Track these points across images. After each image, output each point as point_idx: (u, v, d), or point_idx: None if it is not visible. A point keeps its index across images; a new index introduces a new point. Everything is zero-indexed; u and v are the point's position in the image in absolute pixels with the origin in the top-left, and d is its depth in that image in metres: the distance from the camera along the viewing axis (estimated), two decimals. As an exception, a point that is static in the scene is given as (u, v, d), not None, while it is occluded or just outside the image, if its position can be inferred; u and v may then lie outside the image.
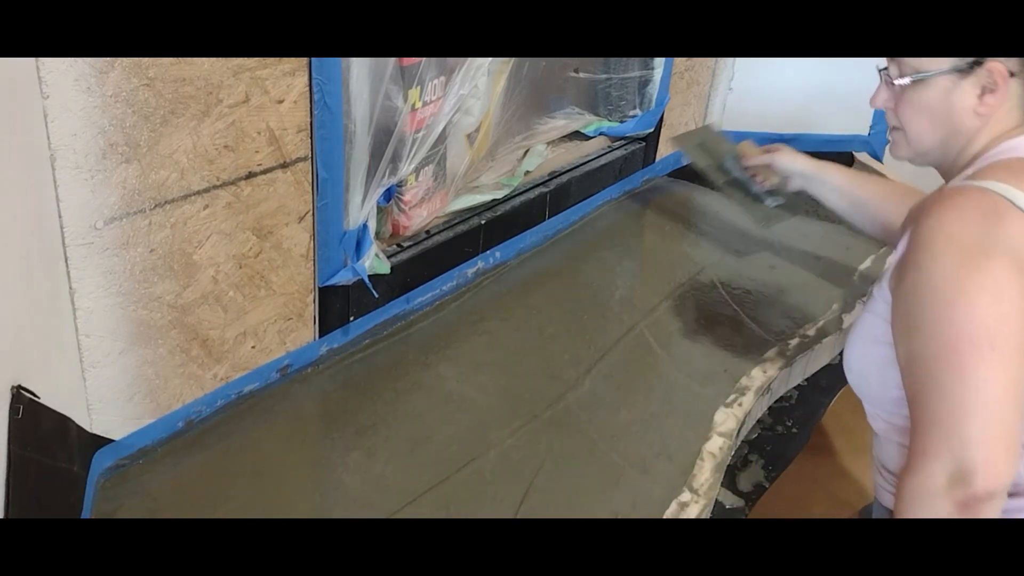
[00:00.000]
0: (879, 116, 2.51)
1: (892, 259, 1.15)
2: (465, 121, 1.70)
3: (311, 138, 1.32)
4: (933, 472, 0.99)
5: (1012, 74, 1.10)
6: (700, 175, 2.02)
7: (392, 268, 1.57)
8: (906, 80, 1.15)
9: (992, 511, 0.99)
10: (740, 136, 2.56)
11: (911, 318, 1.05)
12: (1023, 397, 0.99)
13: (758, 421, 1.65)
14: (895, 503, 1.06)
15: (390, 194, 1.57)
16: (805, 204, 2.40)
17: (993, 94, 1.11)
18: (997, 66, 1.09)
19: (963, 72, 1.11)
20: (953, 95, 1.13)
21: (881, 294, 1.15)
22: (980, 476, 0.97)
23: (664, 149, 2.39)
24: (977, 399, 0.98)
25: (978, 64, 1.10)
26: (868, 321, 1.19)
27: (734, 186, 1.90)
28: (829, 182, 1.62)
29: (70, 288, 1.12)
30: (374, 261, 1.51)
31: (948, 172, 1.20)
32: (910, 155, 1.21)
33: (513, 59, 1.76)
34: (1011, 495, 1.04)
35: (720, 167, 1.91)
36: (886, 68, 1.19)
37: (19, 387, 0.96)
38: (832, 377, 1.85)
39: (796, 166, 1.69)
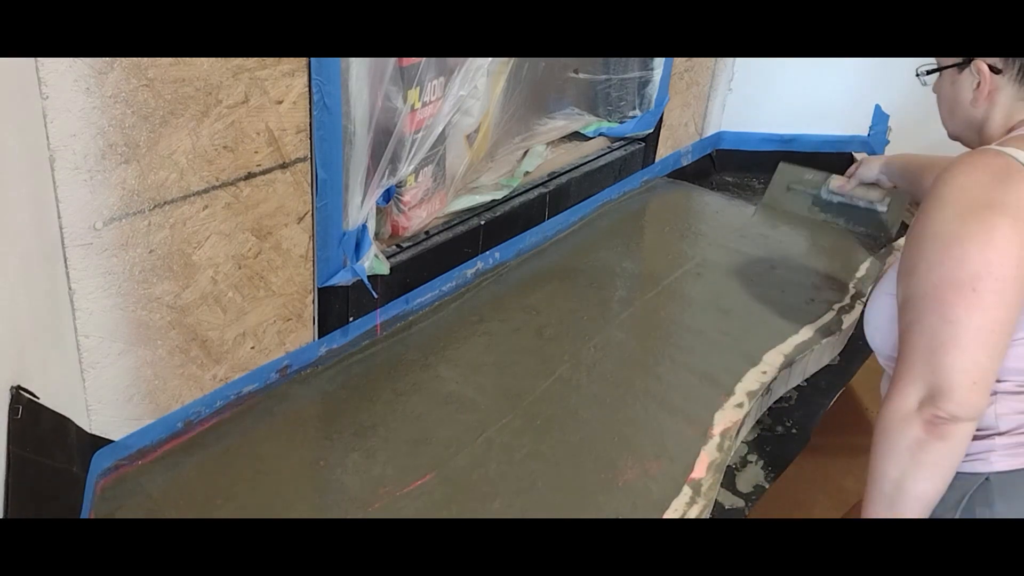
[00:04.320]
0: (879, 116, 2.51)
1: None
2: (464, 122, 1.70)
3: (310, 139, 1.32)
4: (907, 395, 1.12)
5: (997, 71, 1.24)
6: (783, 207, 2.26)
7: (391, 269, 1.57)
8: (923, 70, 1.37)
9: (957, 437, 1.10)
10: (741, 137, 2.58)
11: (910, 261, 1.17)
12: (999, 342, 1.09)
13: (758, 422, 1.65)
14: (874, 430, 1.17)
15: (389, 195, 1.57)
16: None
17: (980, 88, 1.26)
18: (981, 64, 1.25)
19: (960, 67, 1.29)
20: (956, 87, 1.30)
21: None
22: (947, 399, 1.08)
23: (663, 150, 2.39)
24: (953, 334, 1.09)
25: (968, 62, 1.27)
26: (888, 276, 1.29)
27: (839, 213, 2.16)
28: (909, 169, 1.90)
29: (69, 289, 1.11)
30: (373, 262, 1.51)
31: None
32: (950, 135, 1.37)
33: (513, 59, 1.76)
34: (978, 437, 1.15)
35: (817, 202, 2.17)
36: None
37: (18, 387, 0.96)
38: (832, 378, 1.85)
39: (882, 169, 2.00)
